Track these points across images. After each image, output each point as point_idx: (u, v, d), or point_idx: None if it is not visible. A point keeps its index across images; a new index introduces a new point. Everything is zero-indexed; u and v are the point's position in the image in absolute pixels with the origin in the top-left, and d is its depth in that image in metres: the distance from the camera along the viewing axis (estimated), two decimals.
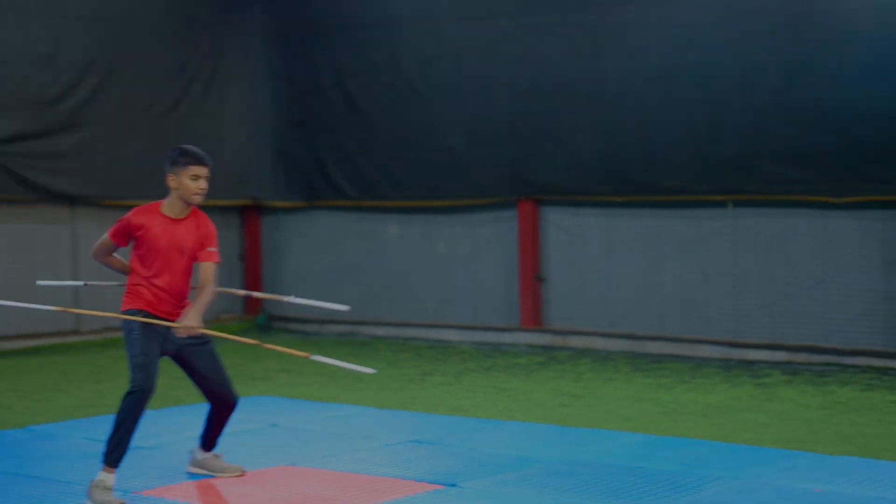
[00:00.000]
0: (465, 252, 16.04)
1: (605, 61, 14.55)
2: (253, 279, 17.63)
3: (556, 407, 10.84)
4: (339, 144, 16.58)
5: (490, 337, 15.53)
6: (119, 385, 10.76)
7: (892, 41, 12.78)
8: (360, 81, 16.34)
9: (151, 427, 8.89)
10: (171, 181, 7.51)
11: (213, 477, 7.87)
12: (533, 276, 15.36)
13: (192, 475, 7.90)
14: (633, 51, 14.35)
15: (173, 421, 9.78)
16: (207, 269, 7.49)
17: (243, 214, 17.68)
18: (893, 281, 13.10)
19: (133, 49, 15.84)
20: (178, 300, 7.54)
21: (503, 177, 15.42)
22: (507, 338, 15.41)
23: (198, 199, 7.52)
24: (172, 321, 7.42)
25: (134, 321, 7.38)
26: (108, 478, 7.17)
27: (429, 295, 16.32)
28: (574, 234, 15.18)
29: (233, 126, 16.95)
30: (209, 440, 7.93)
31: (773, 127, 13.49)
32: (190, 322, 7.33)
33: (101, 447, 7.34)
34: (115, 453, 7.19)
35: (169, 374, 8.75)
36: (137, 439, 7.66)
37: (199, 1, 16.67)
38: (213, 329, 16.49)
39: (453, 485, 7.70)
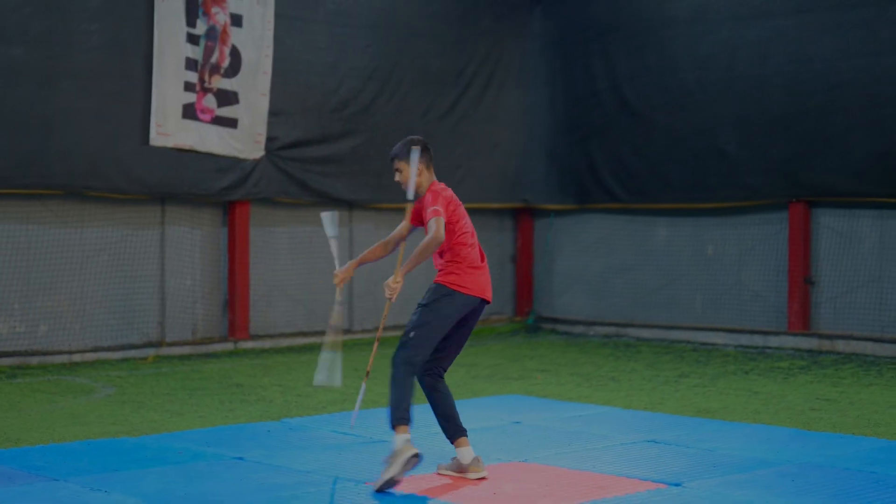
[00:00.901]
0: (733, 254, 15.89)
1: (881, 58, 14.17)
2: (524, 280, 17.92)
3: (806, 411, 10.66)
4: (612, 147, 16.69)
5: (757, 340, 15.33)
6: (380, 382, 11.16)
7: None
8: (634, 84, 16.41)
9: None
10: (421, 174, 7.93)
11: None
12: (802, 278, 15.08)
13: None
14: None
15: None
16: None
17: (516, 217, 17.98)
18: None
19: (413, 56, 16.35)
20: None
21: (775, 178, 15.20)
22: (773, 341, 15.18)
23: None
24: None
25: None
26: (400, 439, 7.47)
27: (696, 297, 16.23)
28: (845, 236, 14.84)
29: (507, 130, 17.29)
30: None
31: None
32: (391, 281, 7.78)
33: (345, 440, 7.69)
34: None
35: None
36: None
37: (479, 7, 17.03)
38: (482, 330, 17.04)
39: (678, 484, 7.73)
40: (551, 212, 17.65)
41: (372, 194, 16.14)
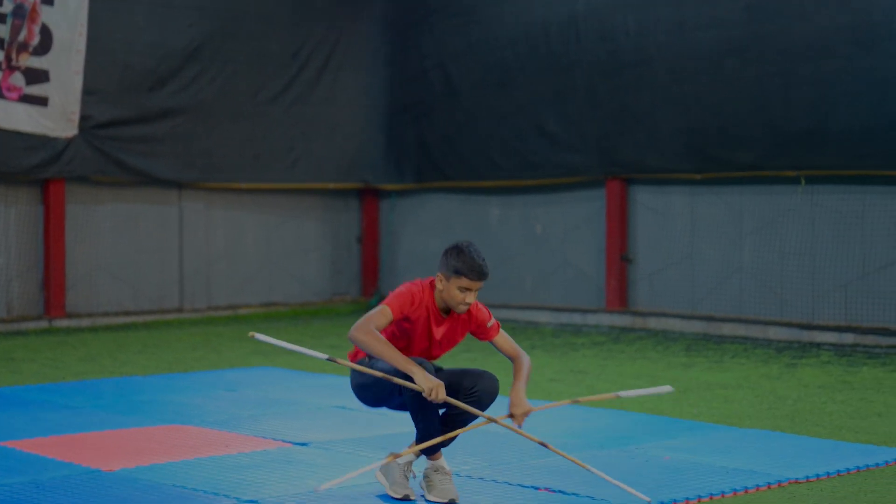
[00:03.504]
0: (560, 232, 15.90)
1: (684, 34, 14.18)
2: (370, 261, 17.94)
3: (545, 382, 10.71)
4: (440, 126, 16.73)
5: (577, 318, 15.36)
6: None
7: None
8: (459, 63, 16.43)
9: None
10: (440, 281, 6.42)
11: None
12: (619, 256, 15.10)
13: None
14: (708, 21, 13.94)
15: None
16: (505, 342, 6.65)
17: (361, 197, 17.99)
18: None
19: (242, 36, 16.33)
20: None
21: (591, 155, 15.22)
22: (591, 319, 15.21)
23: (462, 310, 6.41)
24: None
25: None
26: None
27: (527, 276, 16.24)
28: (660, 213, 14.87)
29: (346, 111, 17.29)
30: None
31: (841, 99, 12.90)
32: (525, 405, 6.43)
33: None
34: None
35: None
36: None
37: None
38: (322, 310, 17.10)
39: (305, 444, 7.78)
40: (392, 192, 17.67)
41: (200, 174, 16.15)
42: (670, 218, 14.81)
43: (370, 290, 17.90)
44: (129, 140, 15.51)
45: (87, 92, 14.97)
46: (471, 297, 6.37)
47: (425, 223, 17.41)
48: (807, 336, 13.35)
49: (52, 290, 15.04)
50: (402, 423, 7.86)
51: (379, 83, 17.40)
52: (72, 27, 14.79)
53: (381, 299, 17.64)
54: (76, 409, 9.15)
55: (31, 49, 14.51)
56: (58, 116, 14.74)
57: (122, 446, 7.70)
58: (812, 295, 13.60)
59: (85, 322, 15.27)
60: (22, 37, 14.44)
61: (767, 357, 12.19)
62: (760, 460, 7.29)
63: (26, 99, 14.50)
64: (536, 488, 6.63)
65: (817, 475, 6.95)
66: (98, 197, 15.63)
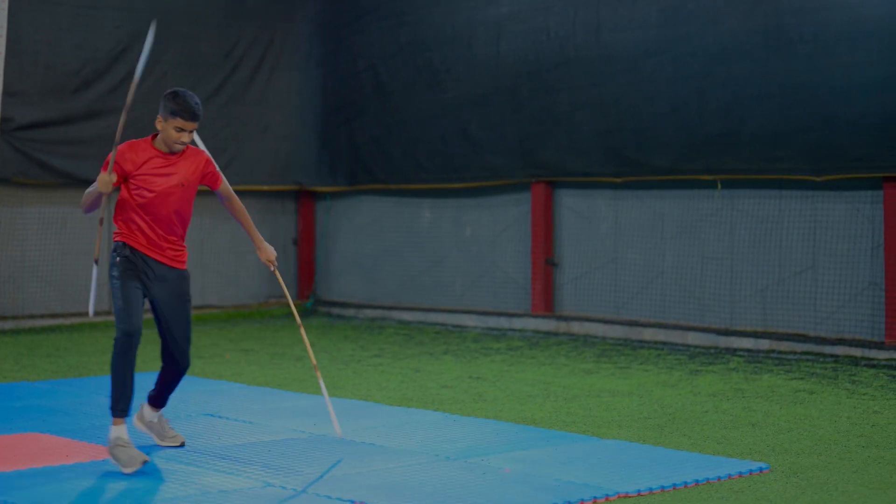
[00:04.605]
0: (488, 236, 15.78)
1: (601, 35, 14.06)
2: (306, 263, 17.83)
3: (436, 389, 10.60)
4: (369, 128, 16.61)
5: (503, 322, 15.26)
6: None
7: (870, 13, 11.94)
8: (388, 65, 16.31)
9: None
10: (159, 123, 7.30)
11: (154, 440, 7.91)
12: (545, 260, 14.98)
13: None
14: (625, 24, 13.82)
15: None
16: (228, 190, 7.69)
17: (298, 199, 17.88)
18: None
19: (170, 38, 16.21)
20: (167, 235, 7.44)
21: (514, 158, 15.11)
22: (517, 323, 15.10)
23: (178, 149, 7.32)
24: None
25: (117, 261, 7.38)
26: (121, 430, 7.18)
27: (456, 279, 16.13)
28: (584, 216, 14.75)
29: (279, 112, 17.19)
30: (159, 399, 7.78)
31: (754, 103, 12.78)
32: (270, 251, 7.78)
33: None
34: (119, 403, 7.21)
35: None
36: None
37: None
38: (259, 312, 16.99)
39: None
40: (327, 194, 17.56)
41: None
42: (595, 221, 14.70)
43: (306, 292, 17.80)
44: (52, 142, 15.41)
45: (8, 94, 14.85)
46: (186, 137, 7.25)
47: (359, 225, 17.30)
48: (724, 342, 13.24)
49: None
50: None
51: (312, 84, 17.28)
52: None
53: (316, 302, 17.54)
54: None
55: None
56: None
57: None
58: (731, 300, 13.48)
59: (8, 325, 15.17)
60: None
61: (677, 363, 12.07)
62: (600, 473, 7.18)
63: None
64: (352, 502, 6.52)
65: (650, 489, 6.83)
66: (24, 199, 15.52)
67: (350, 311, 17.06)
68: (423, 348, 13.52)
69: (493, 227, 15.72)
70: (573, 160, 14.49)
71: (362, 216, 17.26)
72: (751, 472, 7.27)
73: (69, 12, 15.43)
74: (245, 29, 16.87)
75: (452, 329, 15.40)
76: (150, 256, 7.36)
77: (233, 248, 17.26)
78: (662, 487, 6.89)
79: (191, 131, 7.22)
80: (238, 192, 16.89)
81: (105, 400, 9.71)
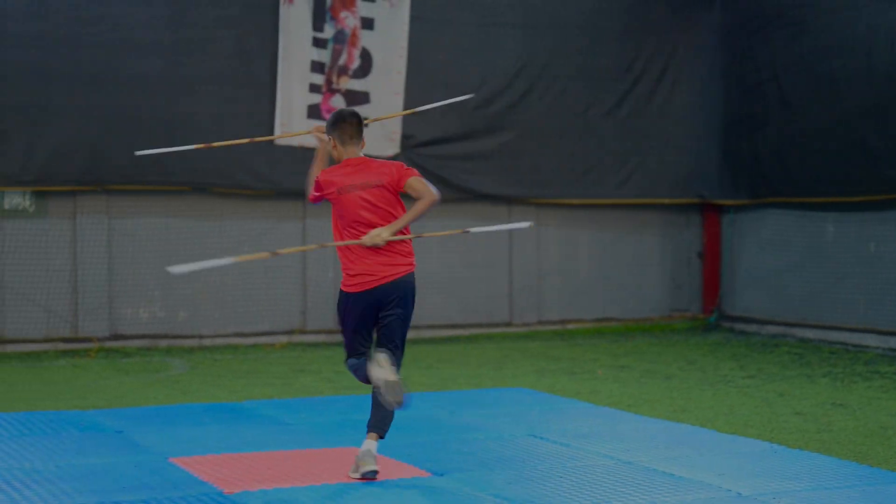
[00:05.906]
0: (894, 253, 14.87)
1: None
2: (711, 277, 17.46)
3: (790, 415, 10.10)
4: (771, 140, 16.04)
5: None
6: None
7: None
8: (789, 74, 15.69)
9: None
10: (331, 142, 7.80)
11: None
12: None
13: None
14: None
15: None
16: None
17: (703, 212, 17.54)
18: None
19: (571, 53, 16.33)
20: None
21: None
22: None
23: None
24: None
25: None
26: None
27: (859, 297, 15.29)
28: None
29: (680, 124, 16.95)
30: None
31: None
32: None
33: None
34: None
35: None
36: None
37: (648, 2, 16.77)
38: (659, 326, 16.77)
39: (441, 473, 7.76)
40: (731, 207, 17.11)
41: (527, 190, 16.34)
42: None
43: (710, 307, 17.42)
44: (451, 157, 15.88)
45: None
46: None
47: (763, 239, 16.74)
48: None
49: None
50: None
51: (714, 96, 16.89)
52: (392, 50, 15.32)
53: (720, 317, 17.15)
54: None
55: (350, 72, 15.15)
56: (378, 136, 15.28)
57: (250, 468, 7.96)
58: None
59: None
60: (342, 61, 15.12)
61: None
62: None
63: None
64: None
65: None
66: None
67: (753, 327, 16.54)
68: (805, 370, 12.92)
69: None
70: None
71: (767, 230, 16.70)
72: None
73: (468, 31, 15.86)
74: (645, 41, 16.74)
75: (851, 349, 14.63)
76: None
77: (636, 262, 17.17)
78: None
79: None
80: (639, 206, 16.93)
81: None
